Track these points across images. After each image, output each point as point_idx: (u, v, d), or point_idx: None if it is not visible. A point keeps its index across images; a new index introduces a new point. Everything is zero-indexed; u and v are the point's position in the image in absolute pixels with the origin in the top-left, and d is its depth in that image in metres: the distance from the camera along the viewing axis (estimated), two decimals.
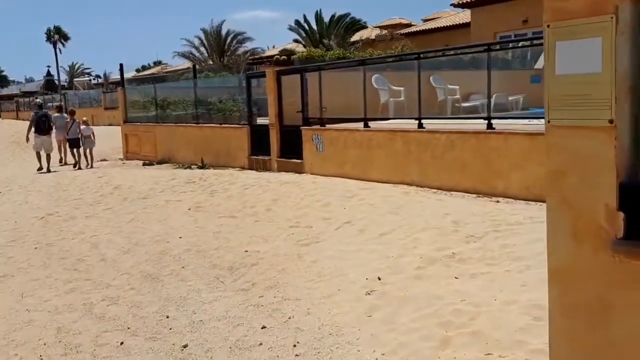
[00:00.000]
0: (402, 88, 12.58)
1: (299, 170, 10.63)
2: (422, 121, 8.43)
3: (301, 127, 10.61)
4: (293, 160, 10.86)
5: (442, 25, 30.92)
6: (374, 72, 12.61)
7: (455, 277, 4.35)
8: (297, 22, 25.18)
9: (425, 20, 36.56)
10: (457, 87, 13.60)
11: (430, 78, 13.59)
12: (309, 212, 6.83)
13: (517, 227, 5.20)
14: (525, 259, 4.45)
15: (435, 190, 7.82)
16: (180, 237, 6.70)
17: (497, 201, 6.80)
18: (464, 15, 31.15)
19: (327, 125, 10.32)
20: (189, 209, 7.90)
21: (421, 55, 8.75)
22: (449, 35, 28.59)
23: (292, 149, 10.96)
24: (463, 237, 5.21)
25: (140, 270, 5.86)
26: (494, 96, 13.77)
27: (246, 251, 5.94)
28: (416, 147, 8.30)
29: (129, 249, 6.57)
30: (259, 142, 12.06)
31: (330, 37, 17.05)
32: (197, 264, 5.82)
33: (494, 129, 7.36)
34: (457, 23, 30.37)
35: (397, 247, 5.21)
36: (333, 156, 9.88)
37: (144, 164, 15.13)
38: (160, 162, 15.18)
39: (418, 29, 30.83)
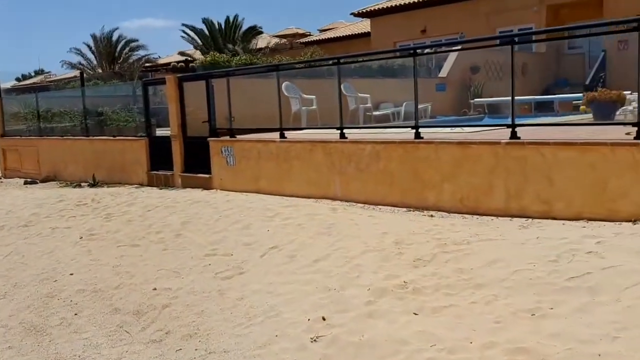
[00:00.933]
0: (313, 96, 12.00)
1: (207, 186, 9.67)
2: (344, 131, 7.83)
3: (208, 139, 9.67)
4: (200, 175, 9.87)
5: (342, 35, 30.98)
6: (283, 80, 11.92)
7: (415, 313, 3.71)
8: (191, 27, 23.90)
9: (322, 31, 36.59)
10: (368, 95, 13.24)
11: (342, 86, 13.13)
12: (227, 237, 5.96)
13: (466, 247, 4.68)
14: (487, 286, 3.90)
15: (362, 205, 7.23)
16: (72, 274, 5.59)
17: (431, 216, 6.31)
18: (363, 25, 31.44)
19: (237, 136, 9.46)
20: (81, 238, 6.73)
21: (341, 60, 8.14)
22: (348, 45, 28.61)
23: (198, 163, 9.96)
24: (410, 260, 4.60)
25: (20, 320, 4.72)
26: (404, 104, 13.66)
27: (155, 289, 4.98)
28: (339, 159, 7.67)
29: (6, 293, 5.37)
30: (159, 155, 10.92)
31: (236, 43, 16.15)
32: (93, 308, 4.78)
33: (422, 138, 6.90)
34: (357, 33, 30.54)
35: (338, 277, 4.51)
36: (246, 170, 9.04)
37: (25, 183, 13.37)
38: (44, 180, 13.48)
39: (318, 38, 30.66)
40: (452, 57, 16.50)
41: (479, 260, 4.36)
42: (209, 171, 9.69)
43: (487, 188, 6.19)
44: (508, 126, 6.13)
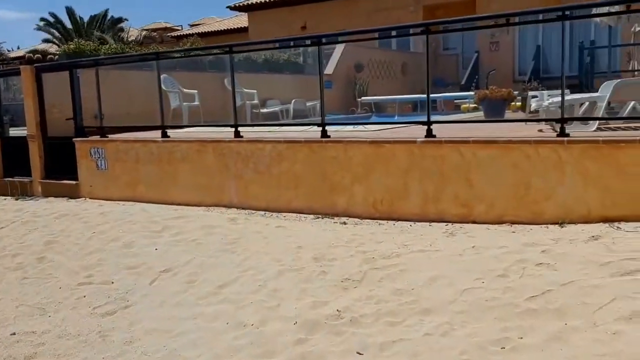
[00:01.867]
0: (195, 91, 10.95)
1: (74, 194, 8.30)
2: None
3: (74, 139, 8.30)
4: (65, 181, 8.46)
5: (217, 29, 29.77)
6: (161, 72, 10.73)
7: (359, 353, 3.02)
8: (53, 15, 21.45)
9: (192, 25, 35.01)
10: (255, 91, 12.42)
11: (225, 81, 12.19)
12: (105, 259, 4.88)
13: (398, 262, 4.08)
14: (436, 311, 3.31)
15: (263, 213, 6.43)
16: None
17: (344, 223, 5.68)
18: (238, 20, 30.45)
19: (110, 136, 8.20)
20: None
21: (234, 49, 7.23)
22: (224, 39, 27.46)
23: (62, 168, 8.54)
24: (337, 281, 3.91)
25: None
26: (292, 102, 13.02)
27: (13, 334, 3.84)
28: (234, 161, 6.80)
29: None
30: (14, 159, 9.29)
31: (104, 32, 14.45)
32: None
33: (329, 136, 6.25)
34: (232, 27, 29.51)
35: (254, 307, 3.70)
36: (121, 175, 7.84)
37: None
38: None
39: (189, 32, 29.11)
40: (337, 54, 16.18)
41: (417, 277, 3.78)
42: (75, 177, 8.33)
43: (403, 191, 5.68)
44: (424, 123, 5.66)
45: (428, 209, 5.55)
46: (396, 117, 13.97)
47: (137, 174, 7.68)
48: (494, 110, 9.65)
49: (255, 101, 12.32)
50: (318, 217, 6.04)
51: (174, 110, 10.53)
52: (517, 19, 10.26)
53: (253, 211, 6.56)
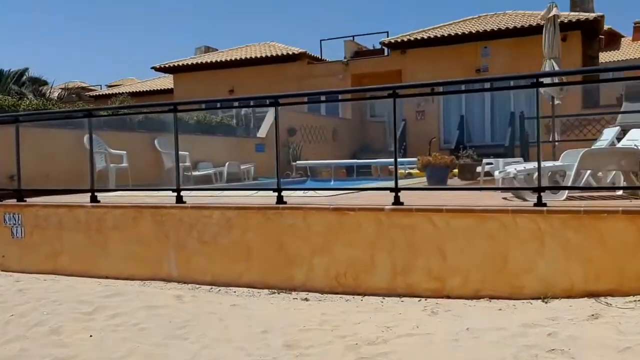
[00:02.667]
0: (124, 152, 10.18)
1: None
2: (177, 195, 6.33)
3: None
4: None
5: (138, 90, 28.95)
6: (85, 132, 9.92)
7: None
8: None
9: (110, 86, 33.99)
10: (187, 153, 11.77)
11: (155, 141, 11.52)
12: (28, 350, 4.01)
13: (387, 349, 3.57)
14: None
15: (209, 287, 5.75)
16: None
17: (306, 299, 5.12)
18: (160, 82, 29.89)
19: (28, 200, 7.27)
20: None
21: (178, 107, 6.65)
22: (148, 100, 26.72)
23: None
24: None
25: None
26: (226, 164, 12.46)
27: None
28: (175, 229, 6.12)
29: None
30: None
31: (23, 86, 13.35)
32: None
33: (285, 202, 5.76)
34: (157, 88, 28.89)
35: None
36: (40, 244, 6.89)
37: None
38: None
39: (109, 92, 28.11)
40: (270, 117, 15.91)
41: None
42: None
43: (369, 263, 5.24)
44: (391, 190, 5.31)
45: (397, 282, 5.12)
46: (332, 182, 13.75)
47: (59, 244, 6.77)
48: (437, 177, 9.57)
49: (188, 163, 11.65)
50: (274, 293, 5.44)
51: (100, 172, 9.67)
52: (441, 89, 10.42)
53: (197, 285, 5.87)
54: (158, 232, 6.22)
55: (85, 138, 9.74)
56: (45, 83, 22.15)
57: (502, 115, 19.04)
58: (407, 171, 14.42)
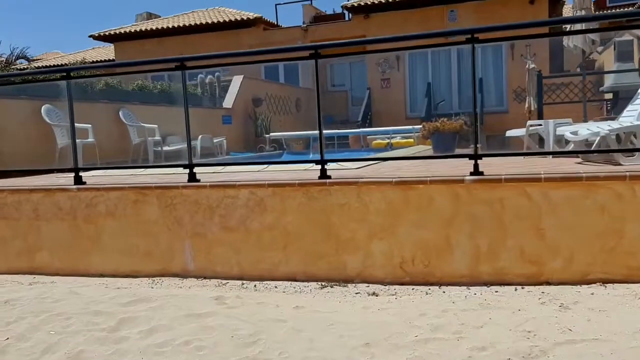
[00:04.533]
0: (88, 125, 8.80)
1: None
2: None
3: None
4: None
5: (73, 62, 26.58)
6: (43, 102, 8.49)
7: None
8: None
9: (32, 60, 31.16)
10: (156, 126, 10.48)
11: (120, 113, 10.13)
12: None
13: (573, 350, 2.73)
14: None
15: (241, 283, 4.73)
16: None
17: (374, 293, 4.21)
18: (95, 53, 27.64)
19: None
20: None
21: (186, 64, 5.38)
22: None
23: None
24: None
25: None
26: (199, 138, 11.21)
27: None
28: (191, 214, 5.02)
29: None
30: None
31: None
32: None
33: (330, 177, 4.77)
34: (91, 60, 26.65)
35: None
36: (10, 238, 5.59)
37: None
38: None
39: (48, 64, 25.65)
40: (235, 86, 14.68)
41: None
42: None
43: (444, 245, 4.37)
44: (470, 157, 4.43)
45: (481, 268, 4.29)
46: (311, 155, 12.76)
47: (36, 237, 5.50)
48: (445, 145, 8.83)
49: (158, 137, 10.37)
50: (325, 286, 4.49)
51: (62, 148, 8.30)
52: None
53: (223, 281, 4.83)
54: (168, 218, 5.09)
55: (44, 109, 8.34)
56: None
57: (469, 81, 18.53)
58: (387, 141, 13.67)
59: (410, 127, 12.22)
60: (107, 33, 21.79)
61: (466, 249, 4.32)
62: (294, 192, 4.75)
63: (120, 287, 4.50)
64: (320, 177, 4.76)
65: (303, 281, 4.68)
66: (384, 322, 3.44)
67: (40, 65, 24.55)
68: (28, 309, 3.90)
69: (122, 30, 21.67)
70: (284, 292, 4.40)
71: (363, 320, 3.49)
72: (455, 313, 3.50)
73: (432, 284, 4.36)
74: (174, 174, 6.16)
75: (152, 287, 4.75)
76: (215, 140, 11.60)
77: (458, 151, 9.03)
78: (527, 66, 14.52)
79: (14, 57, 12.31)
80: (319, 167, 4.80)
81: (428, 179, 4.38)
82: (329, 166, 4.89)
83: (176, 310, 3.78)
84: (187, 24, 20.79)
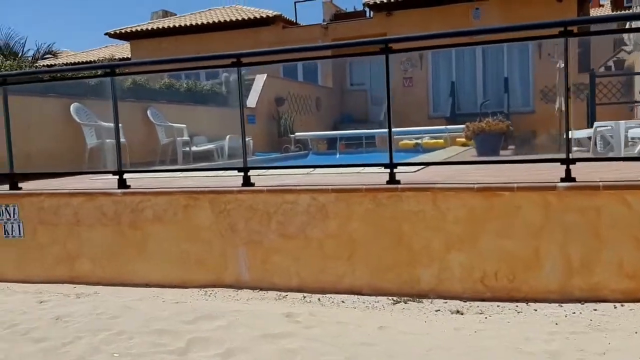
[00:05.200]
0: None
1: None
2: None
3: None
4: None
5: (87, 61, 26.36)
6: (72, 100, 8.17)
7: None
8: None
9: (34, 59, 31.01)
10: (184, 126, 10.15)
11: (148, 112, 9.80)
12: None
13: None
14: None
15: (302, 295, 4.37)
16: None
17: (458, 311, 3.84)
18: (108, 51, 27.39)
19: (24, 188, 5.57)
20: None
21: (242, 60, 5.02)
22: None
23: None
24: None
25: None
26: (227, 138, 10.87)
27: None
28: (246, 220, 4.66)
29: None
30: None
31: None
32: None
33: (399, 182, 4.41)
34: (104, 57, 26.39)
35: None
36: (49, 245, 5.25)
37: None
38: None
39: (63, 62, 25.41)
40: (259, 85, 14.33)
41: None
42: None
43: (532, 258, 4.00)
44: (562, 161, 4.06)
45: (573, 283, 3.92)
46: (338, 156, 12.39)
47: (76, 244, 5.16)
48: (490, 146, 8.43)
49: (186, 137, 10.03)
50: (396, 301, 4.13)
51: (91, 150, 7.97)
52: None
53: (283, 293, 4.48)
54: (221, 224, 4.73)
55: (73, 107, 8.02)
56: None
57: (494, 80, 18.12)
58: (415, 142, 13.29)
59: (443, 127, 11.81)
60: (123, 31, 21.49)
61: (557, 261, 3.94)
62: (360, 198, 4.38)
63: (179, 302, 4.15)
64: (389, 182, 4.40)
65: (369, 295, 4.32)
66: (485, 347, 3.07)
67: (49, 64, 24.33)
68: (84, 326, 3.55)
69: (139, 28, 21.38)
70: (355, 307, 4.04)
71: (463, 345, 3.12)
72: (566, 337, 3.13)
73: (517, 300, 3.99)
74: (205, 176, 5.84)
75: (206, 300, 4.41)
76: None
77: (502, 153, 8.66)
78: (557, 65, 14.13)
79: (40, 54, 11.99)
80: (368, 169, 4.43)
81: (515, 185, 4.01)
82: (366, 170, 4.52)
83: (248, 329, 3.42)
84: (205, 22, 20.48)
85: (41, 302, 4.18)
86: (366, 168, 5.43)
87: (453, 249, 4.17)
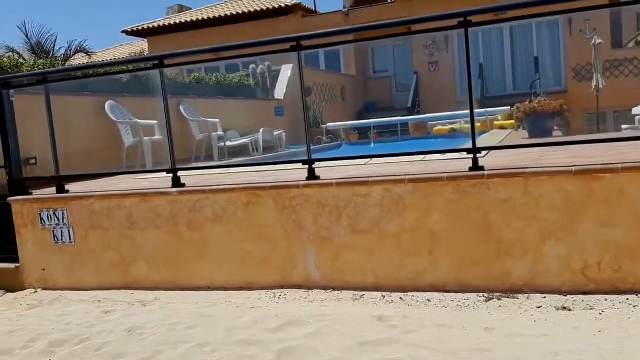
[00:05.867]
0: (154, 122, 8.18)
1: (12, 284, 5.27)
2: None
3: (10, 199, 5.27)
4: None
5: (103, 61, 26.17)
6: (107, 98, 7.89)
7: None
8: None
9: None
10: (218, 120, 9.85)
11: (181, 107, 9.50)
12: None
13: None
14: None
15: (384, 294, 4.05)
16: None
17: (564, 307, 3.49)
18: (124, 50, 27.17)
19: (70, 191, 5.30)
20: None
21: (302, 43, 4.69)
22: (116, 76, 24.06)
23: None
24: None
25: None
26: (261, 131, 10.57)
27: None
28: (314, 216, 4.34)
29: None
30: None
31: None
32: None
33: (483, 168, 4.05)
34: (121, 57, 26.14)
35: None
36: (102, 250, 4.98)
37: None
38: None
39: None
40: (285, 75, 13.98)
41: None
42: (13, 257, 5.28)
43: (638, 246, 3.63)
44: None
45: None
46: (372, 146, 12.02)
47: (131, 247, 4.88)
48: (543, 127, 8.03)
49: (221, 132, 9.73)
50: (489, 298, 3.79)
51: (129, 148, 7.69)
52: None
53: (358, 292, 4.16)
54: (286, 221, 4.42)
55: (108, 105, 7.74)
56: None
57: (524, 60, 17.58)
58: (450, 127, 12.88)
59: (483, 110, 11.38)
60: (140, 28, 21.24)
61: None
62: (441, 188, 4.04)
63: (254, 307, 3.84)
64: (472, 169, 4.04)
65: (454, 292, 3.99)
66: (624, 348, 2.72)
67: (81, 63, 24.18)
68: (160, 339, 3.26)
69: (156, 24, 21.11)
70: (445, 306, 3.71)
71: (594, 348, 2.77)
72: None
73: (624, 292, 3.63)
74: (240, 172, 5.52)
75: (278, 303, 4.11)
76: (275, 133, 10.93)
77: (556, 134, 8.24)
78: (592, 42, 13.58)
79: (72, 51, 11.75)
80: (412, 158, 4.07)
81: (619, 165, 3.63)
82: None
83: (341, 336, 3.11)
84: (222, 15, 20.15)
85: (106, 312, 3.90)
86: (427, 155, 5.08)
87: (549, 239, 3.81)
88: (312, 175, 4.47)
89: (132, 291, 4.80)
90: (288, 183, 4.45)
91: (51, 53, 10.88)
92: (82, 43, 12.55)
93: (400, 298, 3.97)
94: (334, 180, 4.32)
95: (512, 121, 12.11)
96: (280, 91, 13.59)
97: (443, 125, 13.00)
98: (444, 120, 13.09)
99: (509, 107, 11.45)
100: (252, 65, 12.98)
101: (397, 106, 18.79)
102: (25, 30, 12.79)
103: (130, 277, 4.91)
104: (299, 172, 4.63)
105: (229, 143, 9.82)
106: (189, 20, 20.59)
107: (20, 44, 11.86)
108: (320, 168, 4.61)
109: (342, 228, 4.29)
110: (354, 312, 3.58)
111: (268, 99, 13.04)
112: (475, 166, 4.05)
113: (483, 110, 11.38)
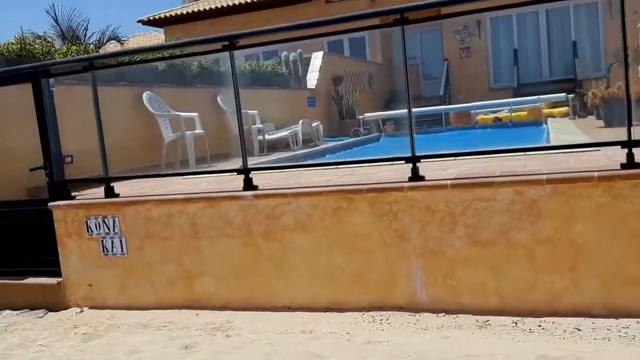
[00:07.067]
0: (195, 114, 7.48)
1: (51, 301, 4.59)
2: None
3: (51, 204, 4.57)
4: (28, 281, 4.69)
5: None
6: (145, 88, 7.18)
7: None
8: None
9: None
10: (256, 112, 9.12)
11: (218, 98, 8.78)
12: None
13: None
14: None
15: (516, 320, 3.33)
16: None
17: None
18: (139, 41, 26.44)
19: (121, 194, 4.59)
20: None
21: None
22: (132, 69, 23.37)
23: (23, 255, 4.77)
24: None
25: None
26: (300, 123, 9.84)
27: None
28: (421, 224, 3.61)
29: None
30: None
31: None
32: None
33: (638, 164, 3.31)
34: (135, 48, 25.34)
35: None
36: (160, 263, 4.28)
37: None
38: None
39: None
40: (316, 64, 13.23)
41: None
42: (55, 271, 4.59)
43: None
44: None
45: None
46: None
47: (195, 260, 4.18)
48: (622, 115, 7.25)
49: (259, 124, 9.01)
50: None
51: (169, 144, 6.98)
52: None
53: (479, 317, 3.44)
54: (385, 230, 3.70)
55: (146, 96, 7.02)
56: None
57: (561, 45, 16.71)
58: (493, 116, 12.12)
59: (535, 97, 10.59)
60: (157, 17, 20.49)
61: None
62: (588, 190, 3.30)
63: (370, 341, 3.12)
64: (626, 166, 3.30)
65: (603, 317, 3.26)
66: None
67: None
68: None
69: (173, 13, 20.38)
70: (605, 338, 2.99)
71: None
72: None
73: None
74: (297, 172, 4.81)
75: (383, 330, 3.40)
76: (313, 124, 10.20)
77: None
78: (638, 25, 12.75)
79: (105, 39, 11.03)
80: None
81: None
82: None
83: None
84: (242, 2, 19.37)
85: (185, 347, 3.18)
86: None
87: None
88: (415, 175, 3.74)
89: (197, 311, 4.12)
90: (388, 185, 3.72)
91: (83, 40, 10.14)
92: (115, 30, 11.81)
93: (539, 325, 3.25)
94: (449, 182, 3.58)
95: (563, 109, 11.37)
96: (312, 80, 12.84)
97: (485, 115, 12.24)
98: (485, 109, 12.32)
99: (564, 94, 10.69)
100: (284, 53, 12.22)
101: (425, 95, 17.97)
102: (55, 14, 12.06)
103: (194, 294, 4.21)
104: (390, 171, 3.91)
105: (267, 136, 9.10)
106: (207, 8, 19.82)
107: (49, 29, 11.16)
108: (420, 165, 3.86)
109: (457, 239, 3.57)
110: (504, 349, 2.85)
111: (300, 88, 12.28)
112: (631, 163, 3.31)
113: (535, 97, 10.58)
